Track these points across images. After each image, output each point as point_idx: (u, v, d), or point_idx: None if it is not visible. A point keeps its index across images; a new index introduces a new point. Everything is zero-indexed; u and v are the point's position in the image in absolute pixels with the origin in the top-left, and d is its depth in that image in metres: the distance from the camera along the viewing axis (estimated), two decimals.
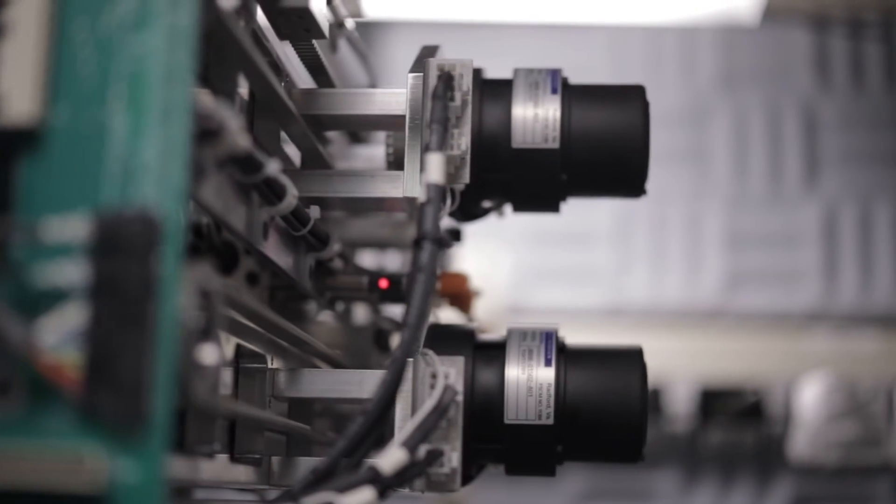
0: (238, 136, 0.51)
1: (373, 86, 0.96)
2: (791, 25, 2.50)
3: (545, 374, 0.70)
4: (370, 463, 0.58)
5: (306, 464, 0.70)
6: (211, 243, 0.71)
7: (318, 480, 0.57)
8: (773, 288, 2.47)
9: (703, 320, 2.45)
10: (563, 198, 0.75)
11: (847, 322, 2.42)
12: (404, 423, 0.63)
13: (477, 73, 0.73)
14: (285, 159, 0.73)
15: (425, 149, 0.66)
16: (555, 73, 0.74)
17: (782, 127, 2.53)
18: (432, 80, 0.68)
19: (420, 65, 0.70)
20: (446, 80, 0.68)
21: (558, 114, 0.72)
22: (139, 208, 0.44)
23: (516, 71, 0.74)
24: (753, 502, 2.43)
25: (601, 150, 0.73)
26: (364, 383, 0.69)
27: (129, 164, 0.45)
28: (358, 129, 0.90)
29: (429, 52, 0.72)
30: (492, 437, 0.70)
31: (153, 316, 0.43)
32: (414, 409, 0.63)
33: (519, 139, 0.72)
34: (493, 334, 0.75)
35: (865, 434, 2.27)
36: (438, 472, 0.64)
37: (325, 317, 0.95)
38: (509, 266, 2.45)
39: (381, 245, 0.99)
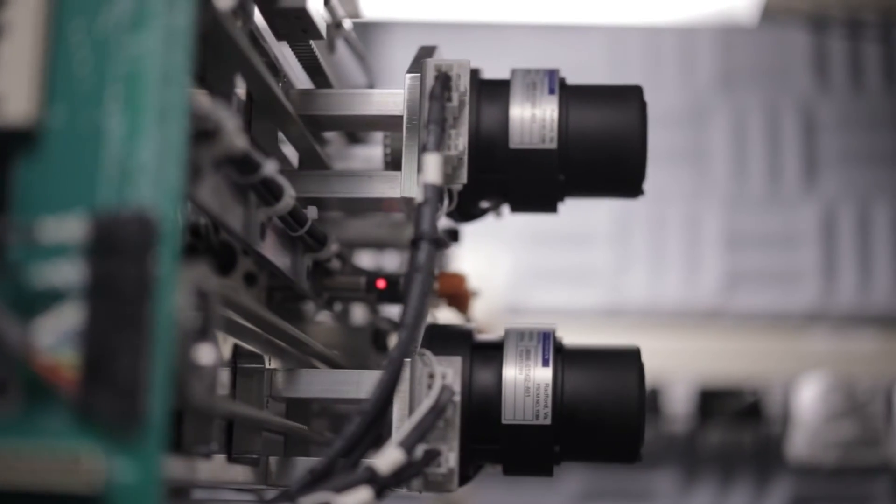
0: (235, 136, 0.51)
1: (371, 86, 0.97)
2: (790, 26, 2.50)
3: (543, 375, 0.70)
4: (367, 463, 0.58)
5: (304, 464, 0.70)
6: (209, 244, 0.71)
7: (316, 480, 0.57)
8: (771, 288, 2.47)
9: (702, 320, 2.45)
10: (561, 198, 0.75)
11: (845, 322, 2.43)
12: (402, 423, 0.63)
13: (474, 73, 0.73)
14: (283, 160, 0.73)
15: (422, 149, 0.66)
16: (552, 74, 0.74)
17: (781, 127, 2.53)
18: (429, 81, 0.68)
19: (417, 65, 0.70)
20: (443, 80, 0.68)
21: (556, 114, 0.72)
22: (136, 209, 0.44)
23: (514, 71, 0.74)
24: (752, 502, 2.43)
25: (599, 150, 0.73)
26: (361, 383, 0.69)
27: (126, 164, 0.45)
28: (355, 129, 0.90)
29: (426, 52, 0.72)
30: (489, 438, 0.70)
31: (149, 316, 0.43)
32: (411, 410, 0.64)
33: (516, 139, 0.72)
34: (490, 334, 0.75)
35: (864, 434, 2.27)
36: (436, 472, 0.64)
37: (324, 317, 0.95)
38: (508, 266, 2.45)
39: (378, 245, 0.99)
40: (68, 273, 0.44)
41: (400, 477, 0.59)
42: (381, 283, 0.84)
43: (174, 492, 0.63)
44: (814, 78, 2.55)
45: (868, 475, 2.36)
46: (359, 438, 0.58)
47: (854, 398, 2.28)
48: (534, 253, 2.50)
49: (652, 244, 2.52)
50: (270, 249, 0.66)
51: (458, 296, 0.89)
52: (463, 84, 0.68)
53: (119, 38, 0.46)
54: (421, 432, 0.61)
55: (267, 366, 0.70)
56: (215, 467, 0.63)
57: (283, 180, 0.61)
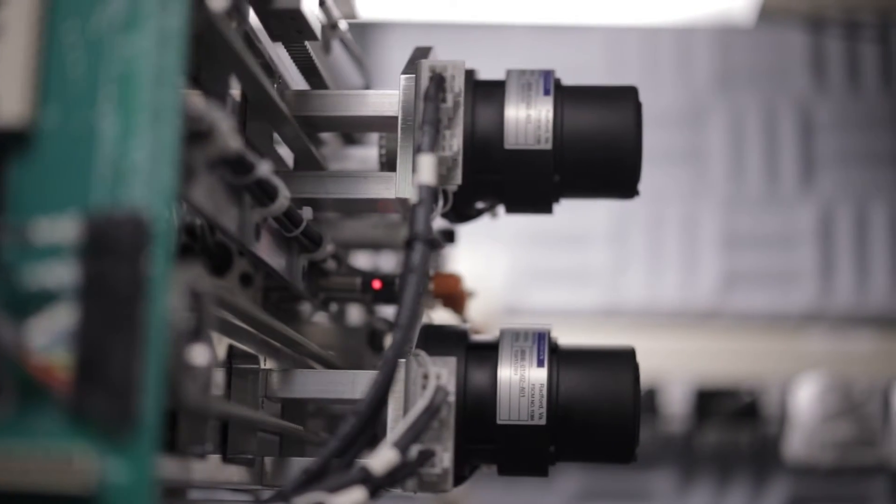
0: (229, 137, 0.51)
1: (368, 87, 0.97)
2: (787, 26, 2.50)
3: (538, 375, 0.70)
4: (362, 463, 0.58)
5: (299, 464, 0.70)
6: (205, 244, 0.71)
7: (310, 480, 0.57)
8: (769, 288, 2.47)
9: (700, 321, 2.45)
10: (556, 199, 0.75)
11: (843, 323, 2.43)
12: (396, 423, 0.63)
13: (469, 74, 0.73)
14: (278, 160, 0.73)
15: (417, 150, 0.66)
16: (547, 75, 0.74)
17: (778, 127, 2.54)
18: (424, 82, 0.68)
19: (412, 66, 0.70)
20: (438, 81, 0.68)
21: (551, 115, 0.72)
22: (129, 210, 0.44)
23: (509, 72, 0.74)
24: (749, 502, 2.44)
25: (594, 151, 0.73)
26: (356, 384, 0.69)
27: (119, 165, 0.45)
28: (351, 130, 0.90)
29: (421, 53, 0.72)
30: (484, 438, 0.70)
31: (143, 317, 0.44)
32: (406, 410, 0.64)
33: (511, 140, 0.72)
34: (486, 335, 0.75)
35: (861, 434, 2.27)
36: (430, 472, 0.64)
37: (320, 317, 0.95)
38: (505, 267, 2.45)
39: (374, 246, 1.00)
40: (61, 274, 0.44)
41: (394, 477, 0.59)
42: (376, 284, 0.84)
43: (169, 492, 0.63)
44: (811, 78, 2.55)
45: (865, 475, 2.36)
46: (353, 439, 0.58)
47: (851, 398, 2.28)
48: (532, 253, 2.50)
49: (649, 244, 2.52)
50: (265, 250, 0.66)
51: (454, 296, 0.89)
52: (457, 85, 0.68)
53: (112, 38, 0.46)
54: (415, 433, 0.61)
55: (262, 366, 0.70)
56: (210, 468, 0.63)
57: (277, 181, 0.61)
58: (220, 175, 0.55)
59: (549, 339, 0.72)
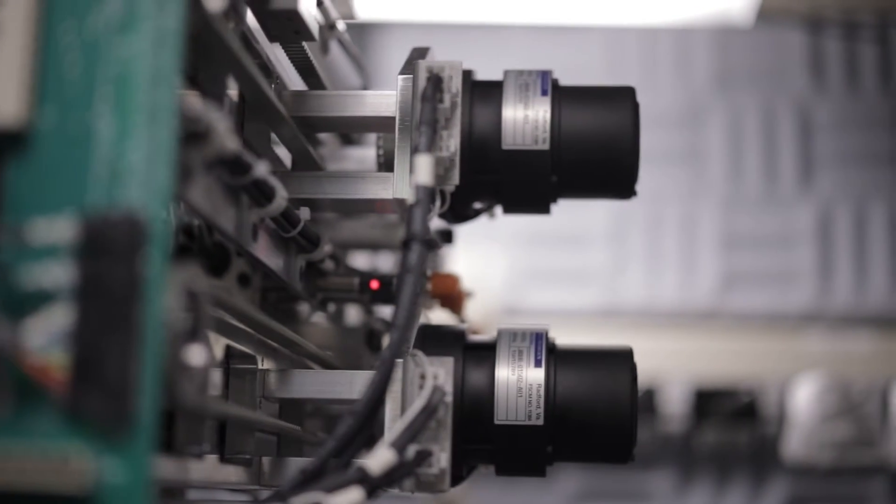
0: (226, 137, 0.51)
1: (366, 88, 0.97)
2: (785, 26, 2.50)
3: (535, 375, 0.70)
4: (359, 463, 0.58)
5: (297, 464, 0.70)
6: (202, 245, 0.71)
7: (307, 480, 0.57)
8: (767, 289, 2.47)
9: (698, 321, 2.45)
10: (554, 199, 0.75)
11: (841, 323, 2.43)
12: (393, 423, 0.63)
13: (467, 74, 0.73)
14: (276, 161, 0.73)
15: (414, 150, 0.66)
16: (545, 75, 0.74)
17: (777, 128, 2.54)
18: (421, 82, 0.68)
19: (410, 67, 0.70)
20: (435, 81, 0.68)
21: (548, 115, 0.72)
22: (125, 210, 0.44)
23: (506, 72, 0.74)
24: (748, 502, 2.44)
25: (591, 151, 0.73)
26: (354, 384, 0.69)
27: (116, 166, 0.45)
28: (348, 131, 0.90)
29: (419, 53, 0.72)
30: (482, 438, 0.70)
31: (139, 317, 0.44)
32: (403, 410, 0.64)
33: (509, 140, 0.72)
34: (484, 335, 0.75)
35: (859, 434, 2.28)
36: (427, 472, 0.64)
37: (318, 318, 0.95)
38: (504, 267, 2.45)
39: (372, 246, 1.00)
40: (58, 274, 0.44)
41: (391, 477, 0.59)
42: (374, 284, 0.84)
43: (166, 492, 0.63)
44: (810, 79, 2.55)
45: (863, 475, 2.36)
46: (350, 439, 0.58)
47: (850, 398, 2.29)
48: (530, 253, 2.50)
49: (648, 244, 2.52)
50: (263, 250, 0.66)
51: (452, 296, 0.89)
52: (455, 85, 0.68)
53: (109, 39, 0.46)
54: (412, 433, 0.61)
55: (260, 366, 0.70)
56: (208, 468, 0.63)
57: (275, 181, 0.61)
58: (218, 175, 0.55)
59: (547, 339, 0.72)
